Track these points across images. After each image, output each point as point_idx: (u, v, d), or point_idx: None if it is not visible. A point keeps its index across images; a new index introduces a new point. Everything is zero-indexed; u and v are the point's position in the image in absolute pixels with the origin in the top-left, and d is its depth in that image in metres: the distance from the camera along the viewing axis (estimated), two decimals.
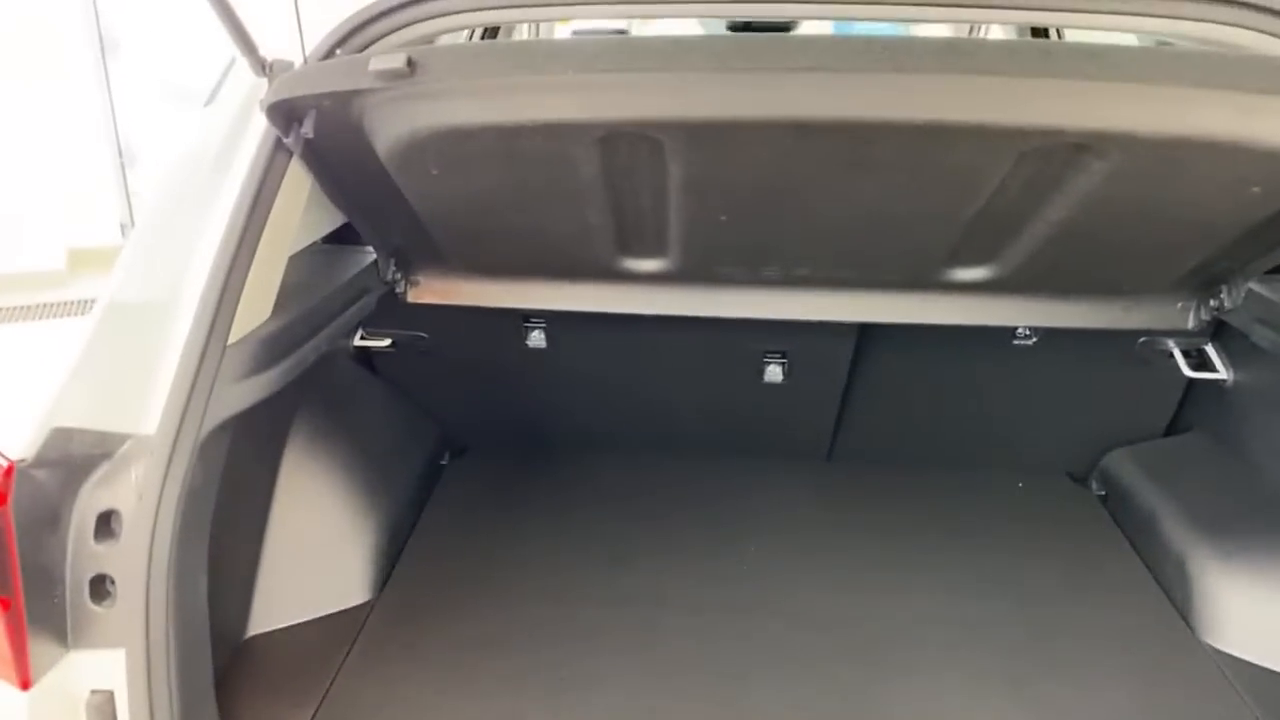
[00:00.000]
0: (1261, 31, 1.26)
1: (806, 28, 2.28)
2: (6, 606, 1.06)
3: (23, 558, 1.07)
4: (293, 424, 1.77)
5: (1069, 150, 1.24)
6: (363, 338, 2.01)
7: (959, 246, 1.53)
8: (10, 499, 1.05)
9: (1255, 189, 1.28)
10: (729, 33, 2.37)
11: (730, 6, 1.34)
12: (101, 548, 1.14)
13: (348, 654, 1.64)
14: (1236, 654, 1.65)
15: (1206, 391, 2.02)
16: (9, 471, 1.05)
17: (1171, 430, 2.16)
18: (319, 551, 1.77)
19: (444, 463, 2.28)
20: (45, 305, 5.84)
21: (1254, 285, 1.66)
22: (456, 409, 2.28)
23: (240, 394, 1.27)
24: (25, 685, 1.09)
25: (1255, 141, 1.18)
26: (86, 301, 5.84)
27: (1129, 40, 1.93)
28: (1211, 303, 1.72)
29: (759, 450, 2.29)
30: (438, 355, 2.13)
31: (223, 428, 1.25)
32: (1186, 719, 1.54)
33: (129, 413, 1.19)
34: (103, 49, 6.08)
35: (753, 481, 2.21)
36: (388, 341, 2.03)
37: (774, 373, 2.08)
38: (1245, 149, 1.18)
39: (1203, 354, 1.94)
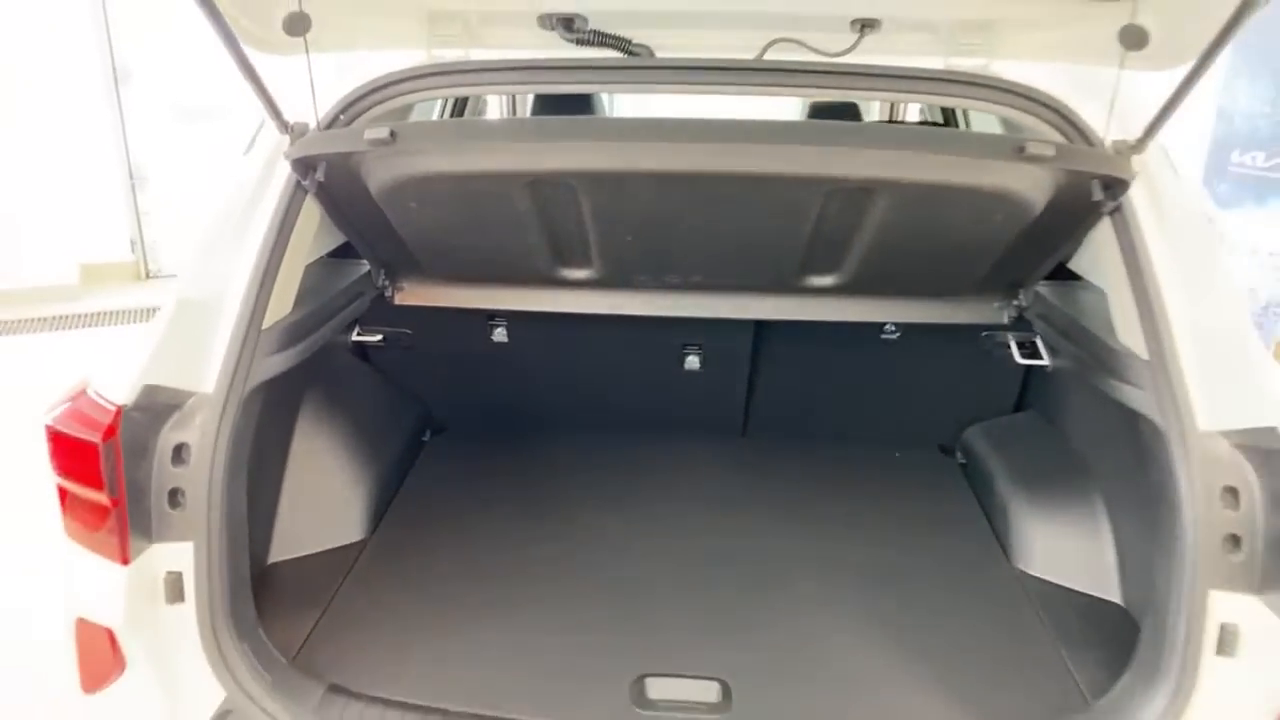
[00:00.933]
0: (1016, 109, 1.79)
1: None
2: (116, 505, 1.55)
3: (126, 474, 1.56)
4: (303, 402, 2.26)
5: (858, 192, 1.75)
6: (358, 334, 2.51)
7: (805, 259, 2.05)
8: (119, 432, 1.54)
9: (998, 217, 1.79)
10: (612, 116, 2.98)
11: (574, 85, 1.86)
12: (176, 470, 1.62)
13: (345, 577, 2.13)
14: (1035, 574, 2.15)
15: (1039, 376, 2.53)
16: (118, 413, 1.54)
17: (1018, 408, 2.67)
18: (323, 500, 2.26)
19: (425, 439, 2.78)
20: (58, 318, 6.28)
21: (1040, 288, 2.17)
22: (435, 394, 2.78)
23: (270, 365, 1.76)
24: (125, 562, 1.58)
25: (980, 186, 1.69)
26: (98, 314, 6.31)
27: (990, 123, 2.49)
28: (1014, 302, 2.24)
29: (684, 427, 2.79)
30: (419, 349, 2.63)
31: (258, 389, 1.74)
32: (987, 619, 2.03)
33: (194, 376, 1.68)
34: (115, 78, 6.59)
35: (678, 452, 2.71)
36: (379, 337, 2.53)
37: (692, 361, 2.59)
38: (975, 191, 1.70)
39: (1034, 345, 2.45)
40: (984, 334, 2.45)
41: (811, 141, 1.68)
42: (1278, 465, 1.49)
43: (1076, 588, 2.08)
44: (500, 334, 2.58)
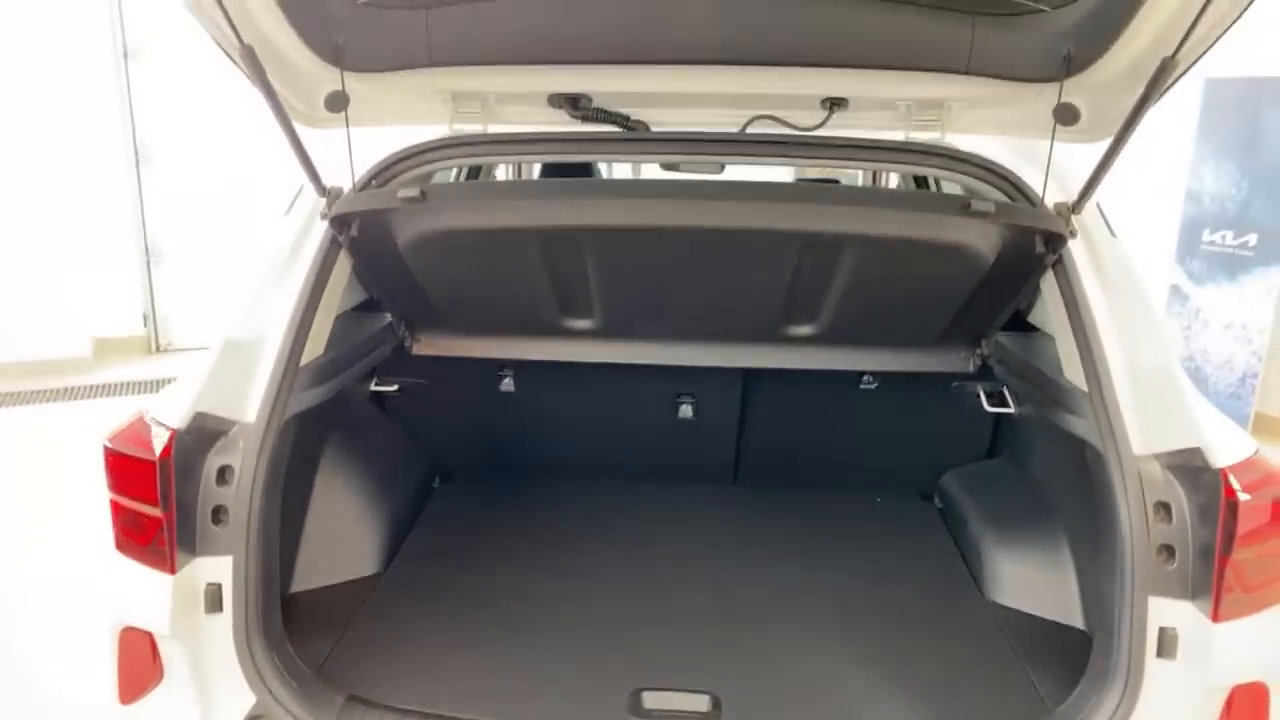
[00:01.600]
0: (967, 175, 2.05)
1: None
2: (168, 519, 1.74)
3: (176, 492, 1.76)
4: (325, 445, 2.46)
5: (831, 245, 2.00)
6: (376, 384, 2.73)
7: (786, 309, 2.28)
8: (173, 453, 1.74)
9: (954, 269, 2.04)
10: (615, 178, 3.26)
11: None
12: (220, 489, 1.81)
13: (362, 605, 2.30)
14: (1005, 603, 2.32)
15: (1007, 424, 2.73)
16: (173, 436, 1.75)
17: (990, 454, 2.87)
18: (342, 535, 2.43)
19: (435, 485, 2.96)
20: (72, 388, 6.51)
21: (1000, 338, 2.40)
22: (445, 442, 2.98)
23: (304, 399, 1.97)
24: (172, 572, 1.76)
25: (934, 239, 1.94)
26: (109, 385, 6.55)
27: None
28: (978, 351, 2.46)
29: (679, 473, 2.98)
30: (432, 399, 2.84)
31: (292, 421, 1.95)
32: (959, 642, 2.20)
33: (238, 407, 1.89)
34: (137, 160, 6.96)
35: (673, 496, 2.90)
36: (395, 387, 2.74)
37: (685, 410, 2.80)
38: (930, 244, 1.95)
39: (1002, 395, 2.66)
40: (955, 385, 2.67)
41: (788, 199, 1.94)
42: (1203, 482, 1.69)
43: (1042, 615, 2.24)
44: (508, 384, 2.80)
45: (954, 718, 1.91)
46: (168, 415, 1.79)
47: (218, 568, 1.81)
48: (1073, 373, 1.95)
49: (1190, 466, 1.71)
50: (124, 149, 6.87)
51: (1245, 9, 1.57)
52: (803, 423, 2.88)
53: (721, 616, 2.29)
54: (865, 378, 2.73)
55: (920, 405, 2.79)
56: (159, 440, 1.74)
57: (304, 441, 2.15)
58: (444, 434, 2.97)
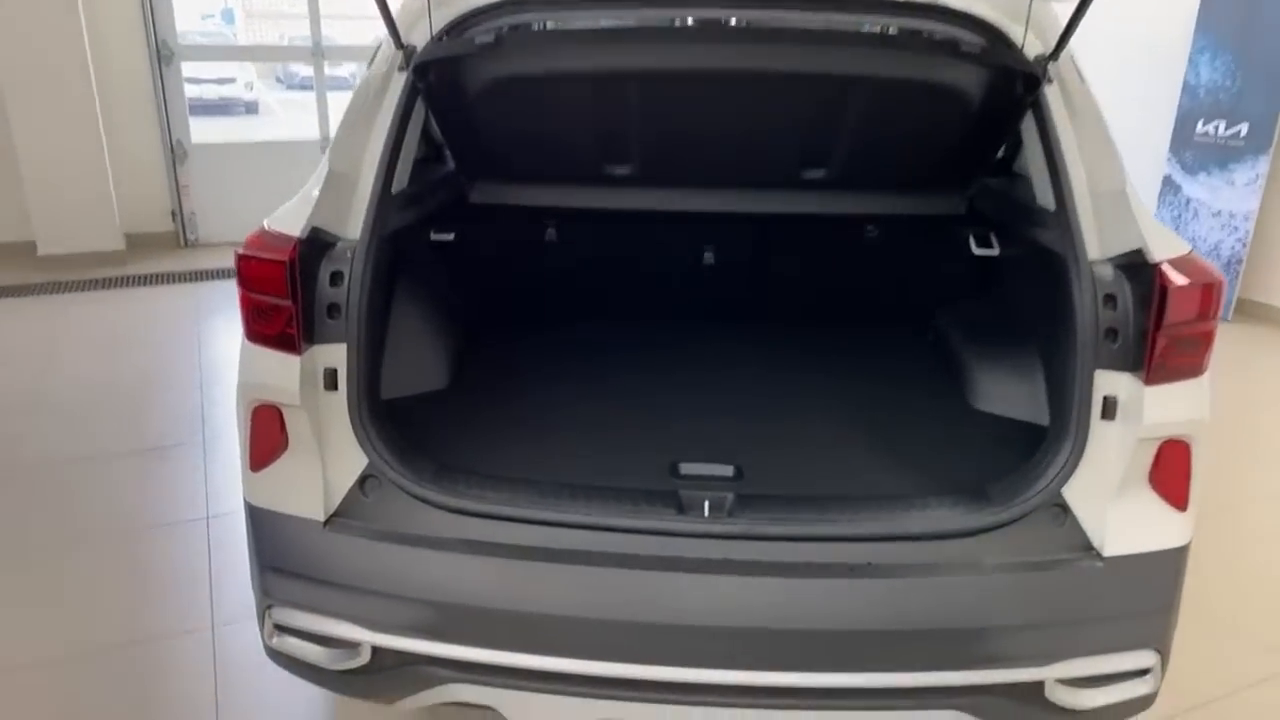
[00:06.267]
0: (962, 28, 2.40)
1: None
2: (294, 311, 2.15)
3: (302, 292, 2.16)
4: (398, 282, 2.86)
5: (838, 85, 2.37)
6: (435, 235, 3.11)
7: (802, 152, 2.66)
8: (297, 257, 2.14)
9: (947, 109, 2.41)
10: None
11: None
12: (333, 290, 2.21)
13: (435, 406, 2.72)
14: (984, 409, 2.75)
15: (993, 266, 3.13)
16: (296, 243, 2.15)
17: (979, 292, 3.27)
18: (414, 355, 2.85)
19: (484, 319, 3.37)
20: (107, 279, 6.96)
21: (988, 181, 2.78)
22: (494, 287, 3.38)
23: (395, 220, 2.37)
24: (298, 354, 2.17)
25: (930, 79, 2.31)
26: (141, 276, 6.99)
27: None
28: (967, 194, 2.85)
29: (703, 315, 3.39)
30: (484, 248, 3.23)
31: (385, 238, 2.34)
32: (947, 432, 2.63)
33: (343, 224, 2.28)
34: (159, 59, 7.24)
35: (699, 333, 3.31)
36: (451, 236, 3.13)
37: (709, 256, 3.20)
38: (926, 84, 2.32)
39: (988, 238, 3.04)
40: (947, 228, 3.06)
41: (802, 42, 2.30)
42: (1141, 275, 2.09)
43: (1015, 417, 2.68)
44: (551, 234, 3.20)
45: (936, 478, 2.35)
46: (289, 228, 2.18)
47: (333, 354, 2.22)
48: (1044, 197, 2.34)
49: (1133, 264, 2.12)
50: (149, 53, 7.16)
51: None
52: (816, 267, 3.28)
53: (743, 412, 2.72)
54: (869, 228, 3.12)
55: (915, 250, 3.18)
56: (286, 245, 2.14)
57: (387, 264, 2.55)
58: (493, 279, 3.37)
